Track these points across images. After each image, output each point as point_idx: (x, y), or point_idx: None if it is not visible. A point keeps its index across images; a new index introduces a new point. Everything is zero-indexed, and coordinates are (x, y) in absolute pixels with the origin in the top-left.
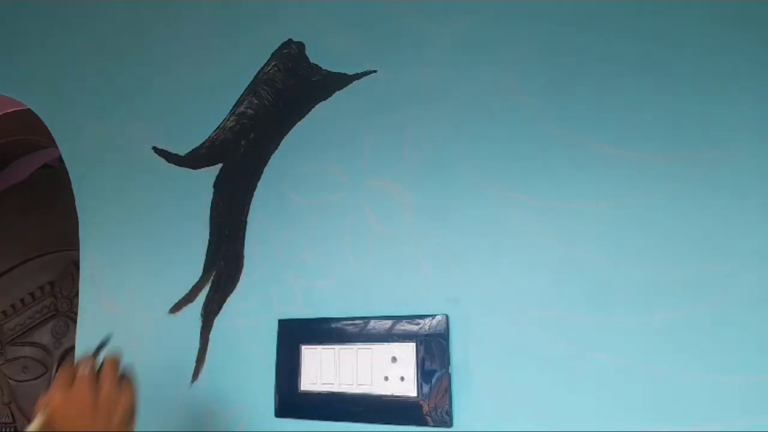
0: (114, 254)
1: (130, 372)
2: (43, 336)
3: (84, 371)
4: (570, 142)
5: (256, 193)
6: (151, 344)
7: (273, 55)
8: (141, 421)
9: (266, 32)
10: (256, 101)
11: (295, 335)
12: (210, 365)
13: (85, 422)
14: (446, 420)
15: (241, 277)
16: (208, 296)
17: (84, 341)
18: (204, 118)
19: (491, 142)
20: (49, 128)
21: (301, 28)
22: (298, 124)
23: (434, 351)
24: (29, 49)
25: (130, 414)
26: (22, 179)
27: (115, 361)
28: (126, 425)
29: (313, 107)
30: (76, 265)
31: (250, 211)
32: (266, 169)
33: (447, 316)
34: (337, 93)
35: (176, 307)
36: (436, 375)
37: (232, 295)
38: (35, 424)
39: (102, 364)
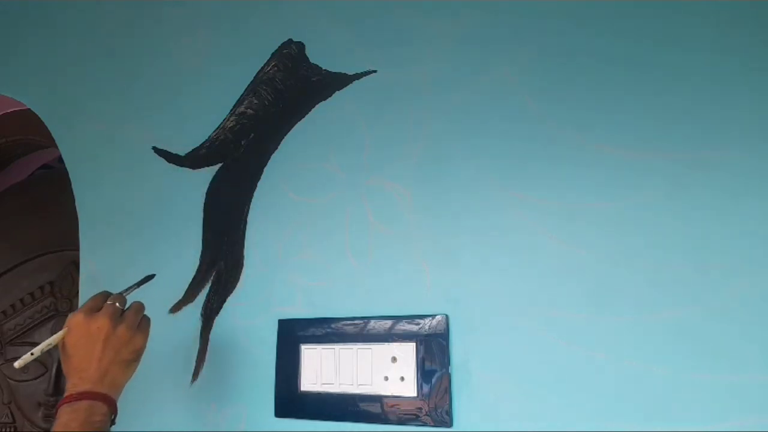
0: (114, 254)
1: (148, 321)
2: (43, 336)
3: (112, 304)
4: (570, 141)
5: (256, 193)
6: (151, 344)
7: (273, 55)
8: (141, 421)
9: (266, 32)
10: (256, 101)
11: (295, 335)
12: (210, 365)
13: (94, 348)
14: (446, 420)
15: (241, 277)
16: (208, 296)
17: None
18: (204, 118)
19: (492, 141)
20: (49, 128)
21: (301, 28)
22: (298, 124)
23: (434, 351)
24: (29, 49)
25: (136, 357)
26: (21, 179)
27: (140, 307)
28: (126, 365)
29: (313, 107)
30: (76, 265)
31: (250, 211)
32: (266, 169)
33: (447, 316)
34: (337, 93)
35: (176, 307)
36: (436, 375)
37: (232, 295)
38: (55, 336)
39: (129, 306)
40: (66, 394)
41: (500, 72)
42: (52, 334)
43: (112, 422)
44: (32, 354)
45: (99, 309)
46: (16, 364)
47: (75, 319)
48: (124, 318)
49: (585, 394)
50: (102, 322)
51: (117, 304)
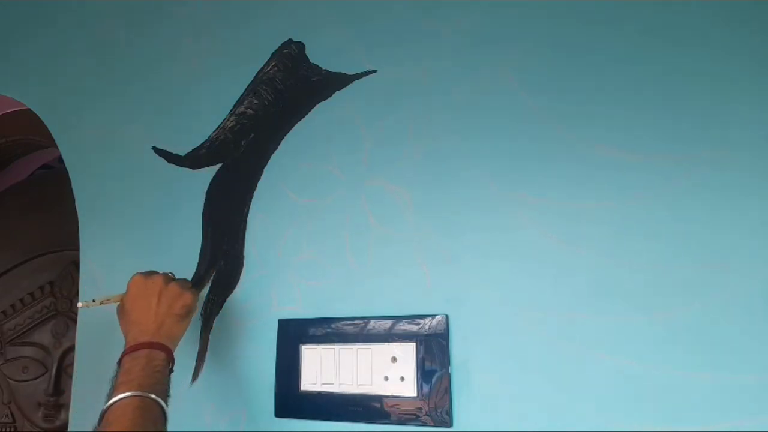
0: (114, 254)
1: (200, 290)
2: (43, 336)
3: (164, 272)
4: (570, 141)
5: (256, 193)
6: None
7: (273, 55)
8: None
9: (266, 32)
10: (256, 101)
11: (295, 335)
12: (210, 365)
13: (150, 302)
14: (446, 420)
15: (241, 277)
16: (208, 296)
17: (84, 341)
18: (204, 118)
19: (492, 142)
20: (49, 128)
21: (301, 28)
22: (298, 124)
23: (434, 351)
24: (29, 49)
25: (186, 312)
26: (21, 179)
27: (188, 280)
28: (179, 319)
29: (313, 107)
30: (76, 265)
31: (250, 211)
32: (266, 169)
33: (447, 316)
34: (337, 93)
35: None
36: (436, 375)
37: (232, 295)
38: (117, 295)
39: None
40: (126, 347)
41: (501, 72)
42: (52, 335)
43: (171, 370)
44: (93, 301)
45: (153, 273)
46: (79, 305)
47: (133, 279)
48: (175, 279)
49: (585, 394)
50: (156, 279)
51: (168, 274)
